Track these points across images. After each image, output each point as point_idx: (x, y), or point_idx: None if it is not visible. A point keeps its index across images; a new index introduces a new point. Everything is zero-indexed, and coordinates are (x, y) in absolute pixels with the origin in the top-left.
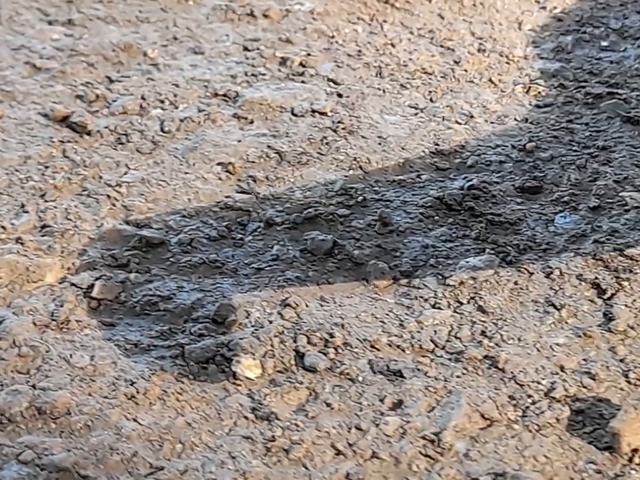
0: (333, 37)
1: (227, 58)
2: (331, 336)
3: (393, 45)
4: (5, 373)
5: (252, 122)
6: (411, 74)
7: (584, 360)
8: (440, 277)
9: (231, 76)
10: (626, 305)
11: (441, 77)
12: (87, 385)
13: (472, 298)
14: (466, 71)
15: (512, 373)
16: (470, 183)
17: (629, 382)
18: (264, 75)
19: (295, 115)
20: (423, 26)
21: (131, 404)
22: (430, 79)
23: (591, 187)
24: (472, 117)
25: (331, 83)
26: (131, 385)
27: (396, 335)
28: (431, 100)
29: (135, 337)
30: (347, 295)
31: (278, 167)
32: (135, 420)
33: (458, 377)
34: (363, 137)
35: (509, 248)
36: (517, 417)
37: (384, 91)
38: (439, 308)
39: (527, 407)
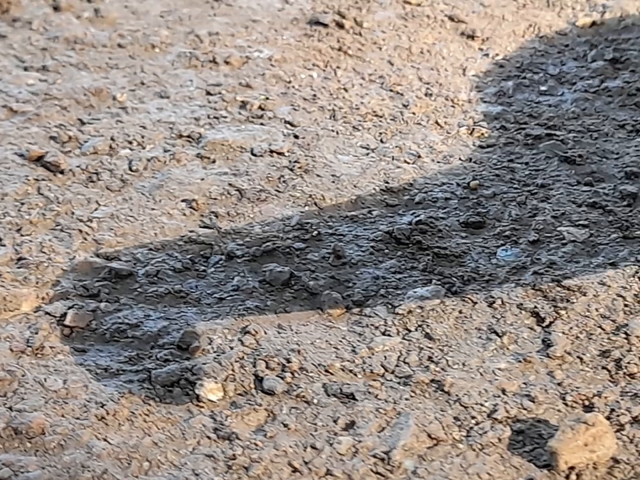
0: (289, 82)
1: (191, 102)
2: (288, 361)
3: (345, 90)
4: None
5: (214, 161)
6: (362, 117)
7: (524, 383)
8: (390, 306)
9: (195, 118)
10: (563, 332)
11: (391, 119)
12: (60, 407)
13: (419, 326)
14: (414, 114)
15: (457, 395)
16: (418, 218)
17: (566, 404)
18: (225, 117)
19: (255, 155)
20: (373, 72)
21: (101, 424)
22: (380, 121)
23: (530, 222)
24: (419, 156)
25: (288, 125)
26: (102, 406)
27: (348, 360)
28: (381, 141)
29: (105, 362)
30: (303, 323)
31: (238, 203)
32: (105, 439)
33: (406, 399)
34: (317, 175)
35: (454, 279)
36: (462, 437)
37: (337, 133)
38: (389, 335)
39: (471, 428)
